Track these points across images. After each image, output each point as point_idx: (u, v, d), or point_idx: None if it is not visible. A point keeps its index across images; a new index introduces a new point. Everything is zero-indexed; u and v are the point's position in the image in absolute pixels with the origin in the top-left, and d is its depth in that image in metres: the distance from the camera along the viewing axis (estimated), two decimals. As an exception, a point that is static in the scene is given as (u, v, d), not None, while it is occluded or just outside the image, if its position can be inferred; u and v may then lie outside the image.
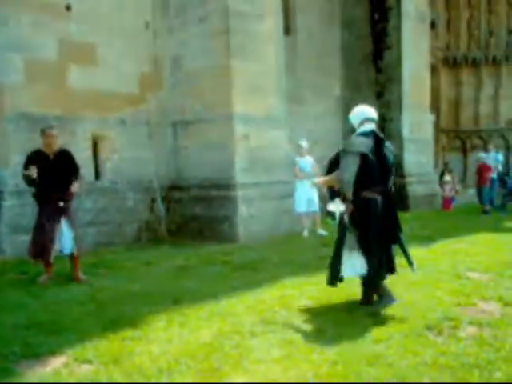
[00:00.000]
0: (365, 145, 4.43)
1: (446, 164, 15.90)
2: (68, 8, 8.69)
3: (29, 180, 5.90)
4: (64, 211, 6.00)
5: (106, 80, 9.22)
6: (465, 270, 6.00)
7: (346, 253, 4.54)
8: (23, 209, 8.03)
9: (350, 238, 4.53)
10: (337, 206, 4.52)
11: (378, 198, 4.44)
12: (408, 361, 3.33)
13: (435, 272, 5.91)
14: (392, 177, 4.68)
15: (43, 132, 6.04)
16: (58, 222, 5.95)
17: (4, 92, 8.10)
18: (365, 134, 4.54)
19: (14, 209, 7.98)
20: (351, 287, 5.08)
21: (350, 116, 4.78)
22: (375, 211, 4.41)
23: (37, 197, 6.07)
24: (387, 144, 4.65)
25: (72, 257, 6.12)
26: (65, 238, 5.99)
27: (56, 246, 5.94)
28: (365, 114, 4.67)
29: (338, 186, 4.55)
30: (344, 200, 4.49)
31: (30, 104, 8.24)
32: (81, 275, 6.12)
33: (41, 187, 5.95)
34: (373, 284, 4.57)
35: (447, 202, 14.10)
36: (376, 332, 3.88)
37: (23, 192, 8.09)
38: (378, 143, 4.51)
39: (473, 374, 3.13)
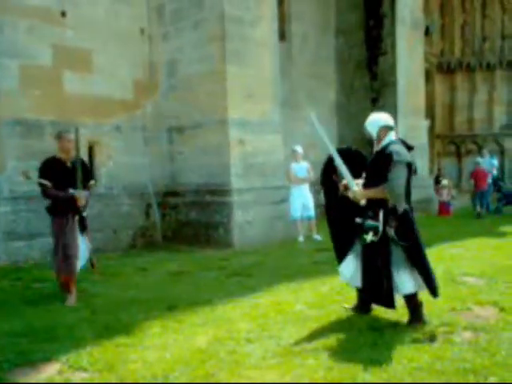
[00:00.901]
0: (408, 154, 4.19)
1: (439, 170, 15.96)
2: (63, 14, 8.71)
3: (45, 190, 5.36)
4: (82, 223, 5.47)
5: (101, 86, 9.23)
6: (460, 274, 6.01)
7: (395, 272, 4.16)
8: (18, 215, 8.02)
9: (397, 254, 4.16)
10: (377, 221, 4.09)
11: (409, 208, 4.23)
12: (403, 366, 3.33)
13: (430, 277, 5.91)
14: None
15: (60, 136, 5.45)
16: (77, 234, 5.44)
17: (-1, 98, 8.10)
18: (401, 142, 4.33)
19: (8, 215, 7.96)
20: (346, 292, 5.08)
21: (368, 123, 4.43)
22: (414, 223, 4.20)
23: (53, 208, 5.44)
24: None
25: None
26: (81, 250, 5.49)
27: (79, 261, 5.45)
28: (383, 121, 4.38)
29: (390, 199, 4.07)
30: (377, 214, 4.10)
31: (25, 110, 8.25)
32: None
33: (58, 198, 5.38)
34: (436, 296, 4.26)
35: (444, 206, 14.04)
36: (371, 337, 3.87)
37: (18, 198, 8.09)
38: (409, 152, 4.30)
39: (468, 379, 3.13)
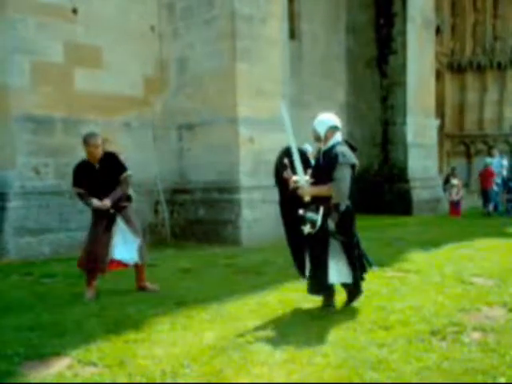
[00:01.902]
0: (353, 155, 4.48)
1: (453, 169, 15.87)
2: (74, 11, 8.76)
3: (82, 197, 5.40)
4: (120, 218, 5.43)
5: (112, 83, 9.27)
6: (469, 275, 5.98)
7: (331, 260, 4.49)
8: (28, 210, 8.08)
9: (335, 246, 4.50)
10: (317, 215, 4.37)
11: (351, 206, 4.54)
12: (412, 366, 3.32)
13: (439, 277, 5.90)
14: None
15: (86, 141, 5.32)
16: (111, 231, 5.39)
17: (10, 94, 8.17)
18: (345, 143, 4.58)
19: (18, 210, 8.02)
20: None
21: (316, 123, 4.59)
22: (354, 219, 4.56)
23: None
24: None
25: (136, 266, 5.59)
26: (127, 247, 5.46)
27: (113, 258, 5.40)
28: (332, 121, 4.56)
29: (335, 197, 4.37)
30: (318, 209, 4.37)
31: (35, 106, 8.30)
32: (148, 284, 5.64)
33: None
34: (359, 288, 4.72)
35: (454, 206, 13.88)
36: (380, 336, 3.87)
37: (28, 194, 8.15)
38: (353, 153, 4.57)
39: (477, 380, 3.12)
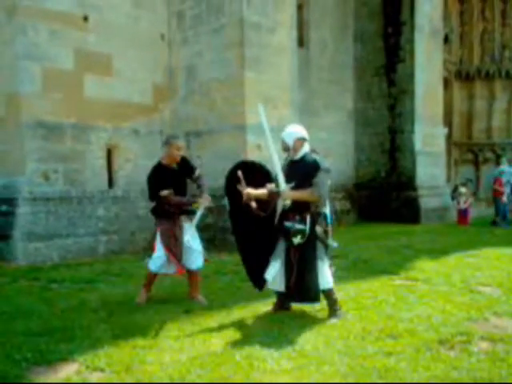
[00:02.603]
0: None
1: (467, 180, 15.80)
2: (85, 19, 8.84)
3: (169, 200, 5.27)
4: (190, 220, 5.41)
5: (121, 90, 9.34)
6: (477, 284, 5.96)
7: (319, 265, 4.62)
8: (37, 216, 8.14)
9: (321, 251, 4.65)
10: (305, 225, 4.54)
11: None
12: (419, 375, 3.32)
13: (447, 286, 5.88)
14: None
15: (169, 142, 5.33)
16: (183, 234, 5.35)
17: (21, 100, 8.24)
18: (310, 154, 4.73)
19: (27, 216, 8.07)
20: (360, 299, 5.08)
21: (285, 135, 4.77)
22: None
23: (160, 210, 5.42)
24: None
25: (192, 273, 5.50)
26: (192, 252, 5.43)
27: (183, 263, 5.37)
28: (299, 133, 4.76)
29: (317, 201, 4.57)
30: (304, 218, 4.55)
31: (46, 112, 8.37)
32: (199, 296, 5.48)
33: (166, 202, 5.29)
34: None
35: (463, 215, 13.73)
36: (387, 345, 3.86)
37: (37, 199, 8.21)
38: None
39: (485, 390, 3.11)
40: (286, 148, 4.78)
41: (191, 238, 5.34)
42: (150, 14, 9.80)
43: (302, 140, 4.73)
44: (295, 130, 4.80)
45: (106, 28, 9.11)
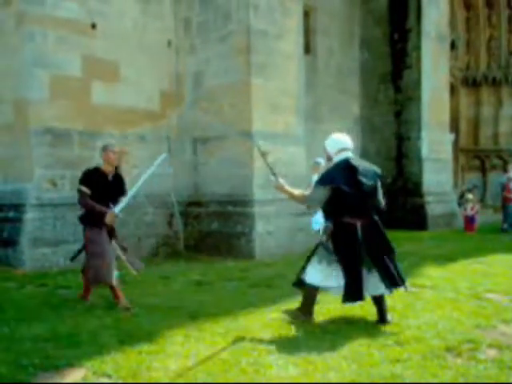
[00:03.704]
0: (334, 178, 4.65)
1: (474, 186, 15.73)
2: (93, 26, 8.90)
3: (83, 196, 5.42)
4: (114, 234, 5.66)
5: (128, 96, 9.38)
6: (484, 291, 5.93)
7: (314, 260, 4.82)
8: (44, 222, 8.17)
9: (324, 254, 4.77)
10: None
11: (358, 223, 4.62)
12: (426, 382, 3.30)
13: (454, 293, 5.85)
14: (376, 199, 4.80)
15: (106, 148, 5.54)
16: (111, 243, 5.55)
17: (29, 107, 8.29)
18: (338, 165, 4.74)
19: (35, 222, 8.11)
20: (366, 306, 5.05)
21: (326, 143, 4.90)
22: (353, 237, 4.59)
23: (86, 218, 5.55)
24: (366, 169, 4.76)
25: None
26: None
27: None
28: (341, 143, 4.84)
29: (303, 203, 4.93)
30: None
31: (53, 119, 8.41)
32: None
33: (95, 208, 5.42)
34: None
35: (470, 221, 13.63)
36: (394, 352, 3.85)
37: (45, 205, 8.24)
38: (352, 171, 4.65)
39: (493, 398, 3.09)
40: (329, 159, 4.94)
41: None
42: (157, 21, 9.86)
43: (342, 150, 4.83)
44: (336, 140, 4.94)
45: (114, 35, 9.17)
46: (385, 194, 4.92)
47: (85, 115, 8.80)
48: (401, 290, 4.84)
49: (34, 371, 3.58)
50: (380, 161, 14.56)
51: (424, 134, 13.93)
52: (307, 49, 12.75)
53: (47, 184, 8.37)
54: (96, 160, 8.91)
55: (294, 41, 9.90)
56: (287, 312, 4.93)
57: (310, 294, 4.78)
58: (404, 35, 14.06)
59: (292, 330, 4.46)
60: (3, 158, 8.67)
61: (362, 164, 4.78)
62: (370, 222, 4.68)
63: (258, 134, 9.18)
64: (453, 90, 17.20)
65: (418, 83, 13.86)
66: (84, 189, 5.42)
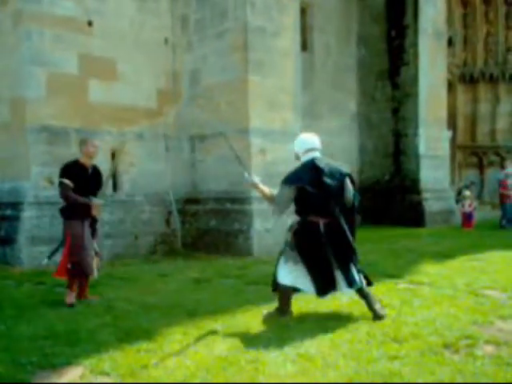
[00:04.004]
0: (300, 178, 4.77)
1: (471, 183, 15.76)
2: (90, 24, 8.88)
3: (65, 189, 5.44)
4: (94, 228, 5.67)
5: (126, 94, 9.37)
6: (482, 287, 5.93)
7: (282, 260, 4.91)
8: (42, 220, 8.16)
9: (289, 253, 4.86)
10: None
11: (321, 222, 4.71)
12: (424, 379, 3.30)
13: (452, 289, 5.86)
14: (341, 198, 4.82)
15: (85, 141, 5.63)
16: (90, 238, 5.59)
17: (26, 105, 8.28)
18: (304, 165, 4.86)
19: (32, 220, 8.10)
20: (363, 304, 5.06)
21: (295, 143, 5.05)
22: (315, 234, 4.71)
23: (68, 211, 5.57)
24: (332, 169, 4.82)
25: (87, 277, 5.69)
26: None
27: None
28: (308, 143, 4.96)
29: (272, 204, 4.98)
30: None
31: (50, 117, 8.41)
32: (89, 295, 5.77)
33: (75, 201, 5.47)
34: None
35: (467, 218, 13.62)
36: (392, 349, 3.85)
37: (42, 204, 8.23)
38: (317, 172, 4.76)
39: (490, 394, 3.10)
40: (297, 158, 5.08)
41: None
42: (154, 18, 9.84)
43: (309, 150, 4.95)
44: (304, 141, 5.05)
45: (111, 33, 9.16)
46: (357, 190, 4.96)
47: (82, 113, 8.79)
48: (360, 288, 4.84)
49: (32, 369, 3.58)
50: (377, 158, 14.62)
51: (421, 130, 13.94)
52: (304, 46, 12.76)
53: (44, 182, 8.36)
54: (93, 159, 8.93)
55: (291, 38, 9.89)
56: (268, 313, 4.94)
57: (284, 294, 4.86)
58: (401, 32, 14.06)
59: (290, 328, 4.46)
60: (0, 157, 8.66)
61: (328, 165, 4.85)
62: (334, 222, 4.75)
63: (255, 131, 9.18)
64: (450, 86, 17.20)
65: (415, 80, 13.86)
66: (66, 181, 5.45)
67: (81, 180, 5.50)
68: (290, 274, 4.79)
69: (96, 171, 5.74)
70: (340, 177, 4.83)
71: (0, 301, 5.63)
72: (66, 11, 8.57)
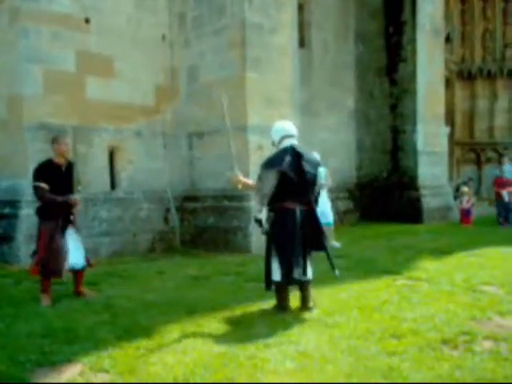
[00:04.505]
0: (281, 162, 4.77)
1: (469, 179, 15.76)
2: (87, 21, 8.86)
3: (42, 192, 5.43)
4: (72, 225, 5.63)
5: (123, 92, 9.35)
6: (480, 283, 5.95)
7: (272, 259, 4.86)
8: (40, 218, 8.12)
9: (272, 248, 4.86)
10: (263, 214, 4.88)
11: (297, 208, 4.77)
12: (423, 374, 3.32)
13: (450, 285, 5.87)
14: (315, 187, 4.96)
15: (57, 140, 5.58)
16: (65, 236, 5.55)
17: (23, 103, 8.26)
18: (285, 150, 4.88)
19: (30, 218, 8.06)
20: (363, 299, 5.07)
21: (272, 130, 5.11)
22: (292, 221, 4.74)
23: (43, 211, 5.57)
24: (309, 157, 4.96)
25: (77, 271, 5.72)
26: (76, 252, 5.60)
27: (67, 262, 5.54)
28: (285, 131, 5.03)
29: (256, 194, 4.96)
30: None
31: (48, 114, 8.38)
32: (86, 290, 5.83)
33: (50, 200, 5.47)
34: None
35: (465, 214, 13.64)
36: (391, 345, 3.86)
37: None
38: (297, 158, 4.82)
39: (489, 389, 3.11)
40: (273, 145, 5.17)
41: (72, 240, 5.58)
42: (151, 15, 9.81)
43: (285, 137, 5.04)
44: (281, 128, 5.14)
45: (108, 30, 9.13)
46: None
47: (79, 111, 8.76)
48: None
49: (30, 367, 3.59)
50: (375, 154, 14.62)
51: (419, 127, 13.94)
52: (302, 42, 12.74)
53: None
54: (90, 156, 8.93)
55: (289, 34, 9.87)
56: (267, 309, 4.96)
57: (279, 290, 4.89)
58: (399, 28, 14.05)
59: (290, 325, 4.46)
60: (-2, 155, 8.65)
61: (305, 152, 4.95)
62: (309, 209, 4.83)
63: (253, 128, 9.16)
64: (448, 83, 17.21)
65: (413, 76, 13.85)
66: (42, 185, 5.42)
67: (56, 180, 5.47)
68: (278, 269, 4.83)
69: (70, 169, 5.62)
70: (316, 166, 4.96)
71: (-2, 299, 5.63)
72: (63, 8, 8.54)
